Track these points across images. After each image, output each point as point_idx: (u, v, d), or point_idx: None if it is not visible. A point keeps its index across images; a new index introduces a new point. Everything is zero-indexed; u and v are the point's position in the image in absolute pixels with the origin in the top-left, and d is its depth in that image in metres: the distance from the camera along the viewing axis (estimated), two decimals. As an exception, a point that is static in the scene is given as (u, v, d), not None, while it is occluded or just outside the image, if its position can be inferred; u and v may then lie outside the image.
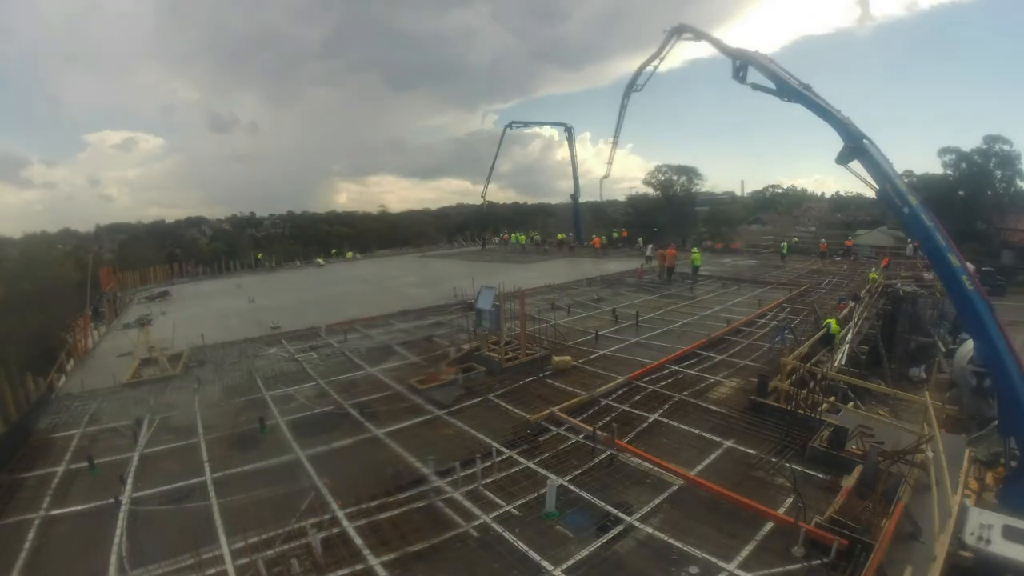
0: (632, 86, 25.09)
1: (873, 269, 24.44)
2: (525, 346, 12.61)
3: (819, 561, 5.37)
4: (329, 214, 78.90)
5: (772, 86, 9.97)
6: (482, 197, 46.89)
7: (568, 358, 12.19)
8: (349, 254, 44.10)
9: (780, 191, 75.97)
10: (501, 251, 42.59)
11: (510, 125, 46.47)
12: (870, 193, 9.18)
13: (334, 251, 46.24)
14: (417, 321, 17.62)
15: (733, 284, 23.94)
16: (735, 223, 57.56)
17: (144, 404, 10.71)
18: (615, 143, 33.97)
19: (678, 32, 15.16)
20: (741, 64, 10.60)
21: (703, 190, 61.62)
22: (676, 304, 19.42)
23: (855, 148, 8.67)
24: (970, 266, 8.24)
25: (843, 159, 8.85)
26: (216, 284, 29.89)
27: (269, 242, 60.81)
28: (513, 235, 46.97)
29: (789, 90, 9.61)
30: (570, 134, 45.96)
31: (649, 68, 22.78)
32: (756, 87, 10.36)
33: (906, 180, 8.59)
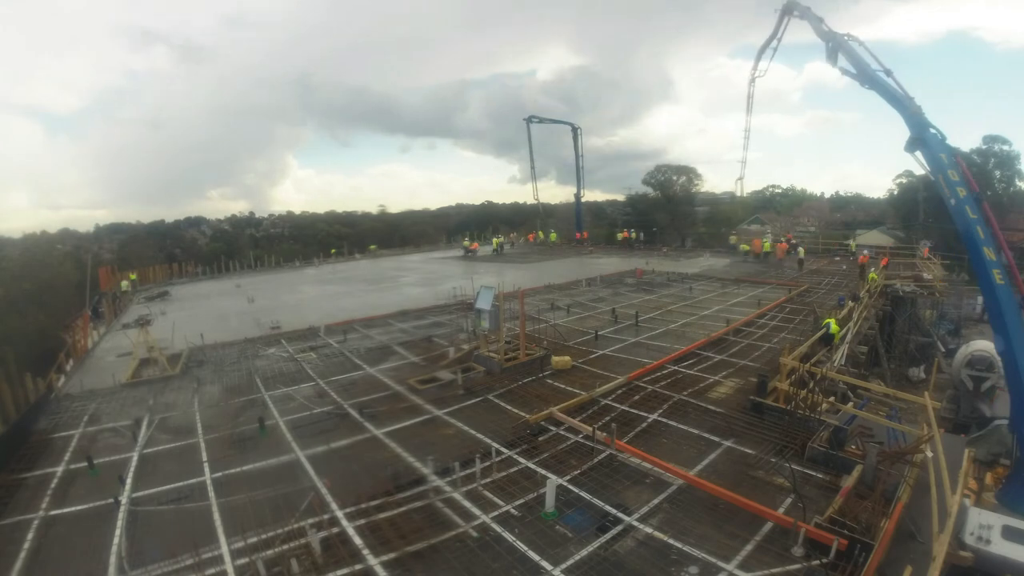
0: (755, 71, 21.71)
1: (873, 269, 24.41)
2: (525, 346, 12.60)
3: (819, 561, 5.36)
4: (328, 214, 78.89)
5: (855, 71, 10.12)
6: (535, 199, 47.00)
7: (567, 358, 12.19)
8: (372, 247, 45.48)
9: (779, 191, 75.97)
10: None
11: (530, 119, 45.62)
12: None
13: (333, 251, 46.24)
14: (416, 321, 17.61)
15: (733, 284, 23.95)
16: (734, 223, 57.45)
17: (143, 404, 10.70)
18: (747, 136, 27.11)
19: (788, 11, 14.92)
20: (833, 47, 10.73)
21: (703, 190, 61.56)
22: (676, 304, 19.43)
23: (918, 138, 8.78)
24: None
25: (909, 147, 9.02)
26: (215, 285, 29.90)
27: (268, 242, 60.80)
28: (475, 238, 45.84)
29: (868, 75, 9.78)
30: (576, 134, 45.88)
31: (768, 52, 19.51)
32: (844, 71, 10.53)
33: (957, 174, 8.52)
